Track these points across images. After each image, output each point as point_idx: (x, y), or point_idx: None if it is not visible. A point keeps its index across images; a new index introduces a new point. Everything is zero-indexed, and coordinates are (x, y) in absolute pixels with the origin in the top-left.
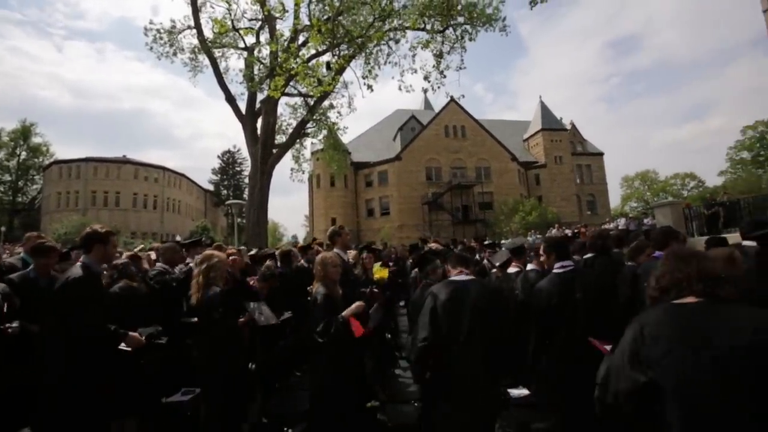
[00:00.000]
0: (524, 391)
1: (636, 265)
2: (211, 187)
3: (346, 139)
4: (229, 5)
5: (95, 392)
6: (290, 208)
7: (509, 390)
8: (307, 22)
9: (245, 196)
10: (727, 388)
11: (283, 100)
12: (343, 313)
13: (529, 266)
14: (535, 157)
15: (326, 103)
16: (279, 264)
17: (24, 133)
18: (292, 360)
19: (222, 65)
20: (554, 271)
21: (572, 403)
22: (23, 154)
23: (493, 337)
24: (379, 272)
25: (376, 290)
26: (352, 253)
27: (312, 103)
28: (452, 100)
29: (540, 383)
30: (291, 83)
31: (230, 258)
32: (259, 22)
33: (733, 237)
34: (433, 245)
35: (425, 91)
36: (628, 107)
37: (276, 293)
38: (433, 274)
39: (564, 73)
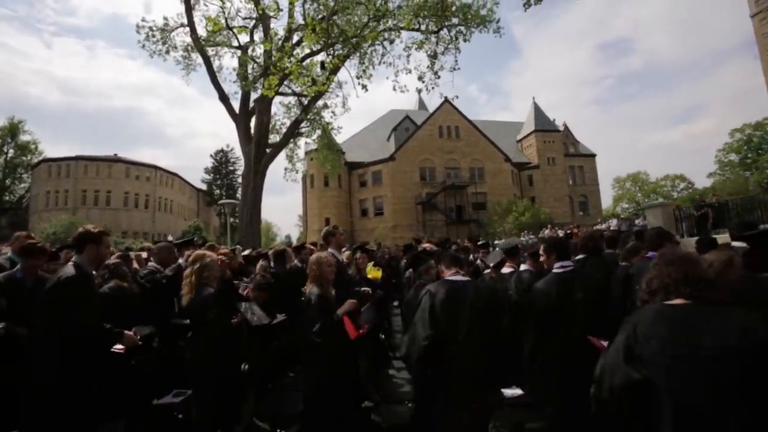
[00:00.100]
0: (518, 391)
1: (629, 265)
2: (203, 187)
3: (340, 139)
4: (223, 3)
5: (89, 393)
6: (284, 208)
7: (502, 390)
8: (302, 22)
9: (238, 195)
10: (718, 386)
11: (277, 99)
12: (338, 312)
13: (523, 267)
14: (529, 158)
15: (320, 102)
16: (273, 264)
17: (12, 130)
18: (285, 360)
19: (215, 64)
20: (554, 271)
21: (569, 402)
22: (11, 152)
23: (490, 337)
24: (373, 273)
25: (368, 290)
26: (345, 254)
27: (306, 102)
28: (446, 100)
29: (536, 383)
30: (285, 82)
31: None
32: (253, 21)
33: (723, 237)
34: (426, 245)
35: (419, 91)
36: (620, 109)
37: (270, 294)
38: (427, 275)
39: (557, 74)
